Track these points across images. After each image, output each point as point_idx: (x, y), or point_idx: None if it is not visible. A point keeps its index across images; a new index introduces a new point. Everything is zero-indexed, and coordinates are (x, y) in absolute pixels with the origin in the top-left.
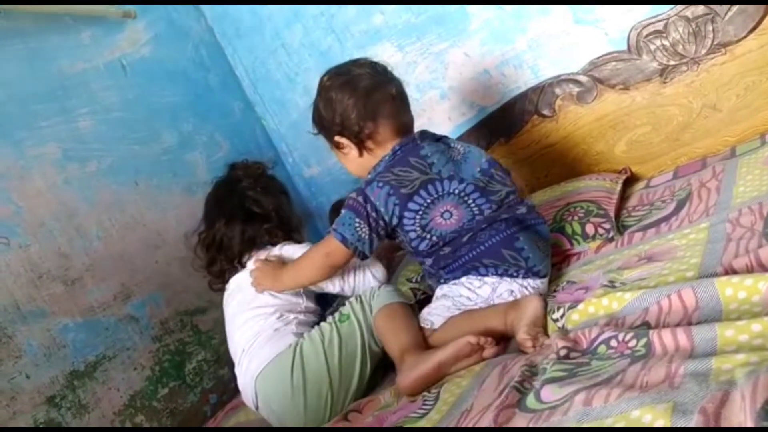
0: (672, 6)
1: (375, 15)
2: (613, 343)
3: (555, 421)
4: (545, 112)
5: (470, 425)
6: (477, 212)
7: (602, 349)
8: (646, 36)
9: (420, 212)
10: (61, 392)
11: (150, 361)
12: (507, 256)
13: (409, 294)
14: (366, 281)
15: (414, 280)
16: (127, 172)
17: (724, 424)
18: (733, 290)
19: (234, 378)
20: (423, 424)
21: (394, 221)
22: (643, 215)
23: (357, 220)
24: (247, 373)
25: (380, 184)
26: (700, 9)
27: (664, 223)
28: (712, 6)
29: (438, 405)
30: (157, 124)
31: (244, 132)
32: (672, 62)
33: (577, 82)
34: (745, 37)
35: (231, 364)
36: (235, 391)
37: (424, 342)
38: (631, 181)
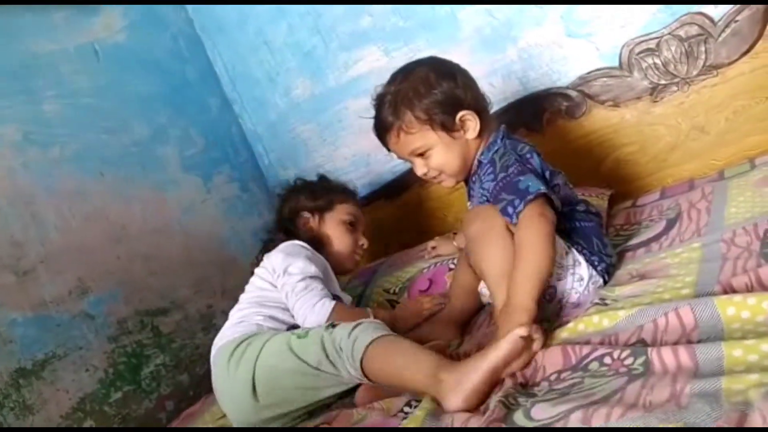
0: (666, 25)
1: (363, 17)
2: (607, 360)
3: None
4: (532, 125)
5: None
6: None
7: (594, 365)
8: (638, 53)
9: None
10: (5, 391)
11: (104, 362)
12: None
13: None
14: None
15: (392, 291)
16: (93, 161)
17: None
18: (735, 309)
19: (193, 385)
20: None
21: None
22: (632, 234)
23: (534, 177)
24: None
25: (530, 153)
26: (694, 29)
27: (654, 243)
28: (705, 27)
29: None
30: (128, 113)
31: (220, 130)
32: (663, 81)
33: (566, 96)
34: (737, 59)
35: (191, 370)
36: (193, 399)
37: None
38: (615, 199)
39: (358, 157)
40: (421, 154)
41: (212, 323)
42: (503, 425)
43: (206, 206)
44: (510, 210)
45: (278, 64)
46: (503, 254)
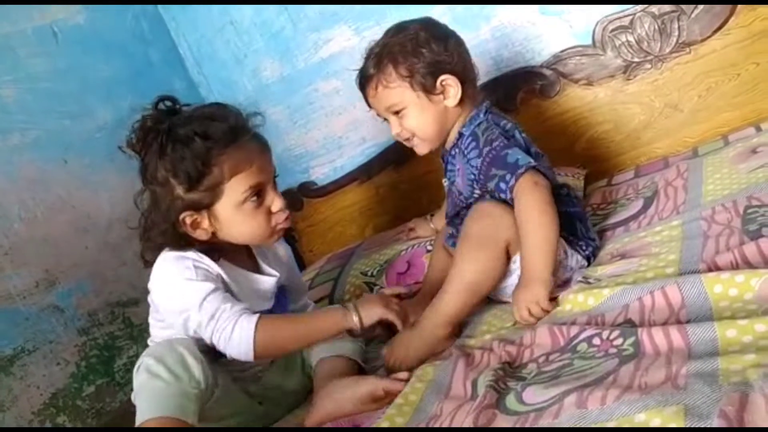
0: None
1: None
2: (596, 341)
3: (545, 425)
4: (506, 105)
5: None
6: None
7: (583, 347)
8: (612, 31)
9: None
10: None
11: (75, 356)
12: None
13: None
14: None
15: (369, 273)
16: (56, 149)
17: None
18: (722, 287)
19: None
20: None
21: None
22: (609, 213)
23: (520, 151)
24: None
25: (513, 130)
26: (667, 6)
27: (632, 222)
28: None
29: (399, 404)
30: (90, 98)
31: None
32: (636, 59)
33: (540, 75)
34: (709, 36)
35: None
36: None
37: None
38: (590, 178)
39: (330, 139)
40: (397, 113)
41: None
42: (496, 411)
43: None
44: (503, 186)
45: (245, 45)
46: (486, 268)
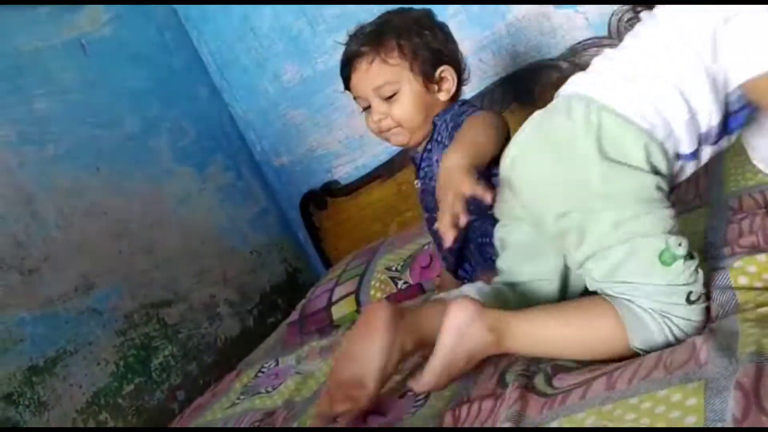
0: None
1: None
2: None
3: (569, 405)
4: (525, 99)
5: (476, 412)
6: None
7: None
8: (628, 21)
9: None
10: (19, 389)
11: (114, 356)
12: None
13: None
14: None
15: (394, 268)
16: (88, 157)
17: (765, 401)
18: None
19: (202, 374)
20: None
21: None
22: None
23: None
24: None
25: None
26: None
27: None
28: None
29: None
30: (119, 107)
31: (211, 118)
32: None
33: (557, 68)
34: None
35: (199, 359)
36: (203, 388)
37: None
38: None
39: (351, 139)
40: (388, 97)
41: (216, 312)
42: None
43: (202, 196)
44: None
45: (265, 49)
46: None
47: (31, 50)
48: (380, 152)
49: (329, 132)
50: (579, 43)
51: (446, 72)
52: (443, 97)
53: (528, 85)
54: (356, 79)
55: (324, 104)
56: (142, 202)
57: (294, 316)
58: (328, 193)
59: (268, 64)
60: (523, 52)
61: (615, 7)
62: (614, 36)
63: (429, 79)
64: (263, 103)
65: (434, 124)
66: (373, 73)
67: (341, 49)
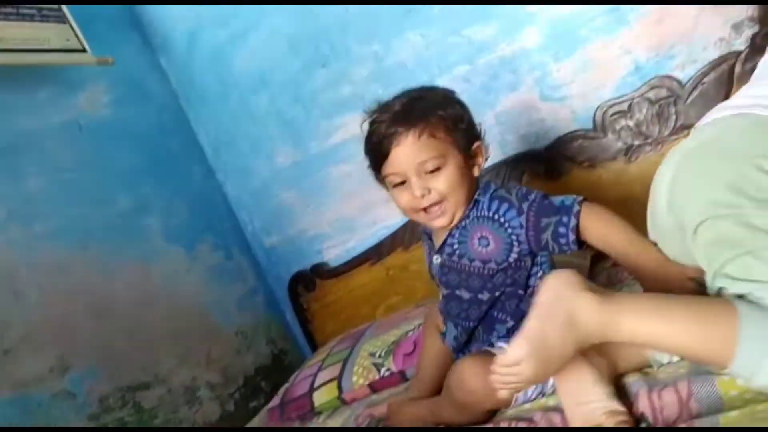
0: (635, 88)
1: (343, 85)
2: None
3: None
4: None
5: None
6: None
7: None
8: (612, 115)
9: None
10: None
11: None
12: None
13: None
14: None
15: (377, 354)
16: (76, 235)
17: None
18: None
19: None
20: None
21: None
22: None
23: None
24: None
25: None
26: (663, 92)
27: None
28: (674, 89)
29: None
30: (111, 186)
31: (204, 198)
32: (636, 142)
33: (544, 158)
34: None
35: None
36: None
37: None
38: (596, 259)
39: (342, 222)
40: (432, 171)
41: (196, 396)
42: None
43: (190, 275)
44: (562, 230)
45: (260, 132)
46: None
47: (28, 130)
48: (369, 236)
49: (321, 214)
50: (566, 134)
51: (480, 148)
52: (476, 172)
53: (516, 174)
54: (400, 152)
55: (316, 187)
56: (128, 280)
57: (275, 401)
58: (317, 274)
59: (263, 146)
60: (510, 141)
61: (599, 101)
62: (599, 129)
63: (467, 154)
64: (256, 184)
65: (476, 201)
66: (421, 146)
67: (334, 135)
